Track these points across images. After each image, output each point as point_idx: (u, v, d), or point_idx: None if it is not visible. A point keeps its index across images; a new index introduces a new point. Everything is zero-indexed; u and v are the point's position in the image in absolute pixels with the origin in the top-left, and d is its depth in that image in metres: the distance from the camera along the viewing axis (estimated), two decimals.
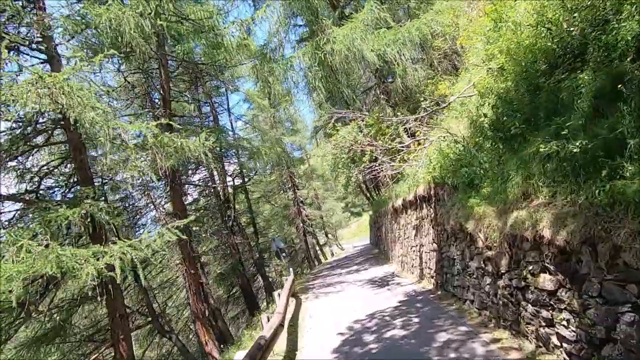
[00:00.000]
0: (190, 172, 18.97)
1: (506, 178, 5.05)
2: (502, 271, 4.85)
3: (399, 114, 8.66)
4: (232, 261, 17.47)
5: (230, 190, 17.83)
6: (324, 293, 11.01)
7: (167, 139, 8.68)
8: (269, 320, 5.74)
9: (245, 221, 23.04)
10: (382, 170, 9.96)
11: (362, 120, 8.36)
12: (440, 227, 7.54)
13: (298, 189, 26.90)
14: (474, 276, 5.92)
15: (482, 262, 5.50)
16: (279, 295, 8.39)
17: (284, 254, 15.09)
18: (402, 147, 8.96)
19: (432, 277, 8.45)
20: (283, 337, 6.92)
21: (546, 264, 3.89)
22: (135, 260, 6.90)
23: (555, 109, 4.80)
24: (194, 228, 12.77)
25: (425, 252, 8.88)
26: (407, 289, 8.88)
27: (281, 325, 5.82)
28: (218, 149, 14.32)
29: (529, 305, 4.31)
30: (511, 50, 5.94)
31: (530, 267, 4.18)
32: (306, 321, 8.27)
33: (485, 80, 7.31)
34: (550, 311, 3.92)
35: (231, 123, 22.43)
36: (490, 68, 7.07)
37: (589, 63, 4.56)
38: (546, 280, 3.92)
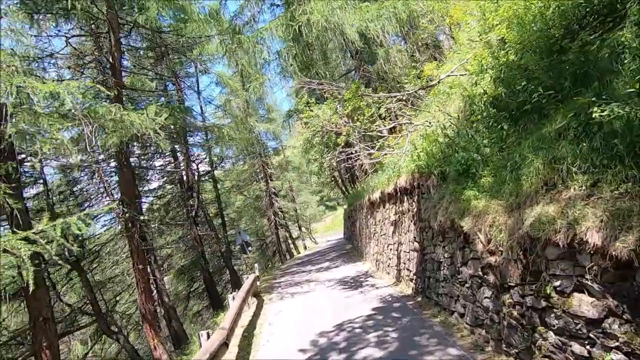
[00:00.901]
0: (152, 155, 17.19)
1: (518, 164, 3.86)
2: (511, 284, 3.67)
3: (381, 93, 7.42)
4: (195, 254, 15.86)
5: (194, 177, 16.13)
6: (290, 294, 9.69)
7: (103, 110, 7.06)
8: (208, 338, 4.36)
9: (213, 212, 21.39)
10: (359, 159, 8.71)
11: (340, 95, 7.02)
12: (424, 224, 6.35)
13: (271, 180, 25.37)
14: (467, 285, 4.74)
15: (479, 270, 4.31)
16: (233, 298, 6.98)
17: (250, 248, 13.68)
18: (382, 131, 7.71)
19: (412, 280, 7.28)
20: (232, 352, 5.54)
21: (586, 281, 2.70)
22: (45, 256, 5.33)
23: (586, 74, 3.64)
24: (142, 218, 11.10)
25: (404, 252, 7.70)
26: (382, 293, 7.69)
27: (225, 344, 4.45)
28: (177, 129, 12.62)
29: (551, 333, 3.14)
30: (518, 17, 4.77)
31: (557, 283, 3.00)
32: (264, 330, 6.92)
33: (482, 55, 6.13)
34: (589, 347, 2.74)
35: (201, 107, 20.56)
36: (487, 42, 5.90)
37: (629, 18, 3.44)
38: (584, 304, 2.73)
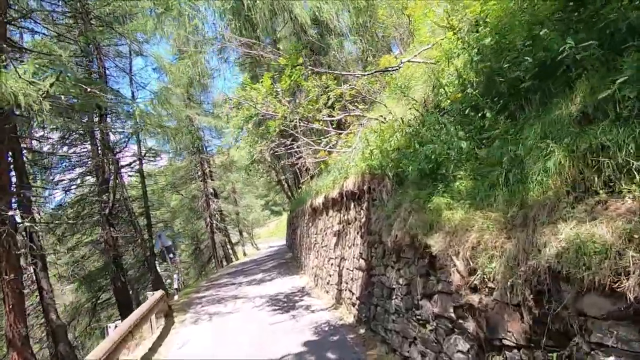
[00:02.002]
0: (63, 139, 14.15)
1: (520, 159, 2.58)
2: (507, 342, 2.32)
3: (330, 83, 6.00)
4: (105, 259, 13.17)
5: (111, 169, 13.50)
6: (209, 315, 7.82)
7: None
8: None
9: (139, 211, 18.54)
10: (302, 157, 7.21)
11: (278, 69, 5.46)
12: (374, 238, 4.97)
13: (211, 179, 22.97)
14: (430, 327, 3.37)
15: (451, 310, 2.96)
16: (115, 326, 5.02)
17: (171, 255, 11.53)
18: (330, 125, 6.28)
19: (354, 305, 5.87)
20: None
21: None
22: None
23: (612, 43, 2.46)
24: (19, 214, 8.54)
25: (347, 270, 6.28)
26: (318, 319, 6.18)
27: None
28: (89, 108, 10.14)
29: None
30: None
31: None
32: None
33: (451, 38, 4.98)
34: None
35: (132, 93, 17.83)
36: (454, 26, 4.78)
37: None
38: None
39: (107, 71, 16.28)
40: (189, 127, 20.28)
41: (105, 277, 13.67)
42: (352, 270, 6.04)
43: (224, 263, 22.98)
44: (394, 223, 4.16)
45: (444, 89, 4.34)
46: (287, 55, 4.93)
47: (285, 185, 29.44)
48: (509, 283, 2.26)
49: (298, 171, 11.56)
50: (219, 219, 22.65)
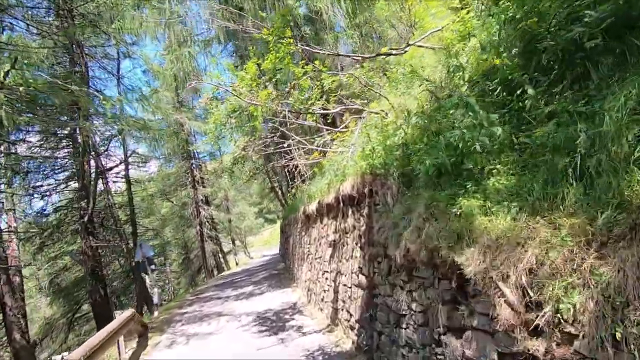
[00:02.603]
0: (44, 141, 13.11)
1: (602, 140, 1.73)
2: None
3: (324, 74, 5.16)
4: (84, 270, 12.09)
5: (92, 174, 12.51)
6: (187, 336, 6.84)
7: None
8: None
9: (124, 218, 17.47)
10: (294, 158, 6.37)
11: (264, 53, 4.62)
12: (377, 250, 4.10)
13: (202, 186, 21.95)
14: None
15: (495, 357, 2.07)
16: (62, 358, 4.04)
17: (152, 266, 10.52)
18: (323, 121, 5.44)
19: (352, 328, 4.95)
20: None
21: None
22: None
23: None
24: None
25: (345, 286, 5.38)
26: (310, 344, 5.25)
27: None
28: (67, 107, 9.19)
29: None
30: None
31: None
32: None
33: (466, 19, 4.23)
34: None
35: (119, 93, 16.95)
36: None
37: None
38: None
39: (93, 73, 15.42)
40: (178, 131, 19.36)
41: (83, 289, 12.55)
42: (349, 287, 5.14)
43: (215, 273, 21.85)
44: (404, 233, 3.29)
45: (461, 72, 3.53)
46: (271, 28, 4.09)
47: (279, 192, 28.53)
48: (606, 329, 1.40)
49: (289, 175, 10.64)
50: (210, 227, 21.58)
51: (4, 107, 5.58)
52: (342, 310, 5.46)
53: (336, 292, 5.80)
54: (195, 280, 22.73)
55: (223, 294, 10.79)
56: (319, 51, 4.99)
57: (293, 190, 10.43)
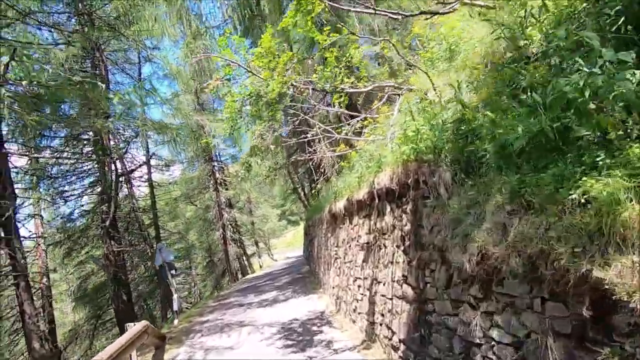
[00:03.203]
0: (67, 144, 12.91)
1: None
2: None
3: (352, 46, 4.34)
4: (106, 275, 11.76)
5: (113, 177, 12.18)
6: (205, 350, 6.14)
7: None
8: None
9: (148, 222, 17.22)
10: (315, 149, 5.57)
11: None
12: (429, 255, 3.20)
13: (225, 189, 21.53)
14: None
15: None
16: None
17: (173, 271, 9.99)
18: (354, 102, 4.59)
19: (396, 348, 4.05)
20: None
21: None
22: None
23: None
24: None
25: (383, 297, 4.48)
26: None
27: None
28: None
29: None
30: None
31: None
32: None
33: None
34: None
35: (141, 98, 16.76)
36: None
37: None
38: None
39: (115, 77, 15.30)
40: (197, 130, 19.02)
41: (107, 295, 12.21)
42: (390, 299, 4.24)
43: (239, 276, 21.34)
44: (474, 232, 2.39)
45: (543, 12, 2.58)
46: None
47: (302, 193, 27.87)
48: None
49: (313, 171, 9.80)
50: (233, 230, 21.11)
51: (5, 102, 5.09)
52: (381, 325, 4.56)
53: (372, 302, 4.91)
54: (220, 284, 22.31)
55: (246, 300, 10.09)
56: (349, 9, 4.12)
57: (318, 187, 9.56)
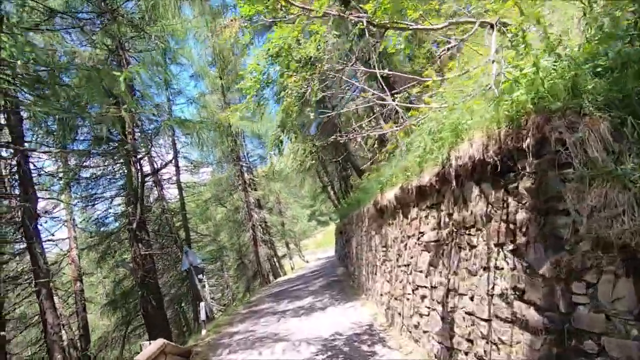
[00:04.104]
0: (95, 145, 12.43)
1: None
2: None
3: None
4: (133, 280, 11.08)
5: (140, 178, 11.50)
6: None
7: None
8: None
9: (178, 224, 16.61)
10: (354, 129, 4.37)
11: None
12: (583, 256, 1.86)
13: (254, 189, 20.72)
14: None
15: None
16: None
17: (200, 276, 9.08)
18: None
19: None
20: None
21: None
22: None
23: None
24: None
25: (471, 316, 3.14)
26: None
27: None
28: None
29: None
30: None
31: None
32: None
33: None
34: None
35: (168, 98, 16.27)
36: None
37: None
38: None
39: (141, 79, 14.82)
40: (226, 132, 18.33)
41: (129, 302, 11.53)
42: (486, 321, 2.91)
43: (271, 278, 20.41)
44: None
45: None
46: None
47: (331, 192, 26.68)
48: None
49: (349, 157, 8.46)
50: (263, 231, 20.23)
51: None
52: (467, 354, 3.23)
53: (449, 321, 3.59)
54: (251, 286, 21.50)
55: (279, 308, 8.99)
56: None
57: (354, 181, 8.27)
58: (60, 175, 11.87)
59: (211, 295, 24.41)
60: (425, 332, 4.24)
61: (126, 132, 11.16)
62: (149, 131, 11.99)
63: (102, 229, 13.88)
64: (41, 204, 12.21)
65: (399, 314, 5.22)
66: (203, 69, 16.79)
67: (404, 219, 4.99)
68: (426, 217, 4.15)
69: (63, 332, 9.69)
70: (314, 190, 31.61)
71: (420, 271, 4.33)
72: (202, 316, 8.08)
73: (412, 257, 4.67)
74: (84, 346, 11.08)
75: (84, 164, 12.50)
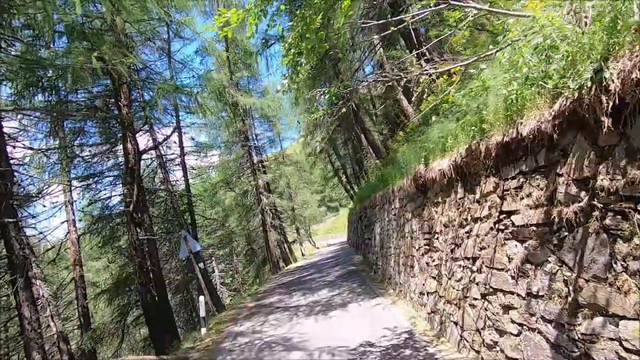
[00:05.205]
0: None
1: None
2: None
3: None
4: (128, 269, 9.91)
5: (136, 155, 10.15)
6: None
7: None
8: None
9: (182, 207, 15.37)
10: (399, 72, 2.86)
11: None
12: None
13: (263, 172, 19.36)
14: None
15: None
16: None
17: (201, 264, 7.83)
18: None
19: None
20: None
21: None
22: None
23: None
24: None
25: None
26: None
27: None
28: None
29: None
30: None
31: None
32: None
33: None
34: None
35: (172, 75, 14.82)
36: None
37: None
38: None
39: (143, 52, 13.43)
40: (233, 112, 16.89)
41: (128, 292, 10.36)
42: None
43: (281, 264, 19.21)
44: None
45: None
46: None
47: (343, 177, 25.30)
48: None
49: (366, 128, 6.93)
50: (272, 215, 18.94)
51: None
52: None
53: (575, 354, 2.14)
54: (261, 272, 20.39)
55: (290, 302, 7.67)
56: None
57: (374, 162, 6.74)
58: (54, 152, 10.67)
59: (221, 281, 23.54)
60: (510, 359, 2.80)
61: (121, 104, 9.80)
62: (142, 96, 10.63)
63: (105, 212, 12.73)
64: (38, 186, 11.13)
65: (455, 323, 3.80)
66: (209, 44, 15.26)
67: (466, 194, 3.51)
68: (519, 188, 2.66)
69: (52, 324, 8.59)
70: (325, 175, 30.22)
71: (502, 269, 2.87)
72: (202, 312, 6.81)
73: (482, 249, 3.20)
74: (83, 337, 10.05)
75: (80, 141, 11.29)
